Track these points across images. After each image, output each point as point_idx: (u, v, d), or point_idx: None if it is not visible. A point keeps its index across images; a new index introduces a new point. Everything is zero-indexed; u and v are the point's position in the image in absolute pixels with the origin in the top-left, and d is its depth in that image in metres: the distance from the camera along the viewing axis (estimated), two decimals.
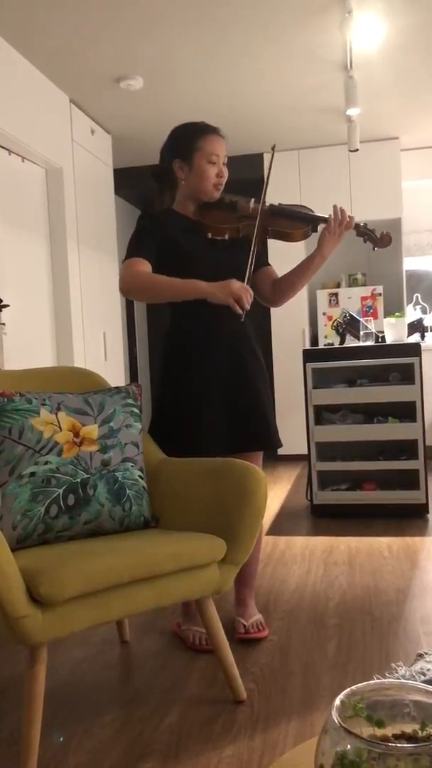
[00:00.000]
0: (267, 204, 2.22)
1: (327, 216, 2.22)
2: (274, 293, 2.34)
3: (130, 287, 2.11)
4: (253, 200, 2.23)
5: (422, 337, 5.95)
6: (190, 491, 1.98)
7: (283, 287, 2.32)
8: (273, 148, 2.27)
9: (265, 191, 2.21)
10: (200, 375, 2.20)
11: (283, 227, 2.25)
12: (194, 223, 2.23)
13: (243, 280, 2.11)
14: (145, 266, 2.11)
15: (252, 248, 2.14)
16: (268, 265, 2.38)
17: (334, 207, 2.21)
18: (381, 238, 2.28)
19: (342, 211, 2.20)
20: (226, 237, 2.20)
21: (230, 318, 2.08)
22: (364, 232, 2.29)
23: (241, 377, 2.23)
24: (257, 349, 2.31)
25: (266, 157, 5.84)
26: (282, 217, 2.25)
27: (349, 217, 2.21)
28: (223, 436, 2.19)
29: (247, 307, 2.04)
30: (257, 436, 2.24)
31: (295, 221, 2.26)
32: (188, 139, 2.19)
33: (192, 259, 2.15)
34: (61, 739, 1.71)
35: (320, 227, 2.25)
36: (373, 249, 2.33)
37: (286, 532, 3.67)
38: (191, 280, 2.06)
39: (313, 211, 2.28)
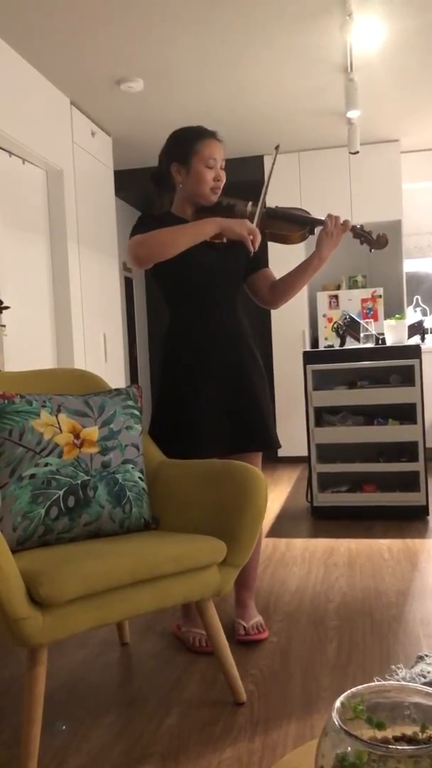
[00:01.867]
0: (264, 207, 2.23)
1: (324, 218, 2.23)
2: (272, 295, 2.34)
3: (139, 250, 2.04)
4: (250, 203, 2.24)
5: (422, 339, 5.95)
6: (191, 493, 1.98)
7: (282, 289, 2.33)
8: (276, 148, 2.29)
9: (265, 193, 2.21)
10: (199, 376, 2.20)
11: (280, 230, 2.25)
12: None
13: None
14: None
15: (262, 197, 2.16)
16: (266, 267, 2.38)
17: (329, 215, 2.23)
18: (377, 239, 2.28)
19: (337, 217, 2.22)
20: (224, 240, 2.20)
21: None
22: (361, 233, 2.30)
23: (239, 378, 2.23)
24: (255, 350, 2.31)
25: (267, 160, 5.85)
26: (279, 219, 2.26)
27: (345, 220, 2.23)
28: (222, 437, 2.19)
29: (257, 247, 2.08)
30: (256, 436, 2.24)
31: (292, 224, 2.26)
32: (186, 142, 2.20)
33: (189, 262, 2.15)
34: (63, 728, 1.71)
35: (318, 230, 2.26)
36: (370, 251, 2.34)
37: (287, 533, 3.66)
38: (206, 219, 2.09)
39: (310, 214, 2.29)
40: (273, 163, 2.27)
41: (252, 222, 2.16)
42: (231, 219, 2.06)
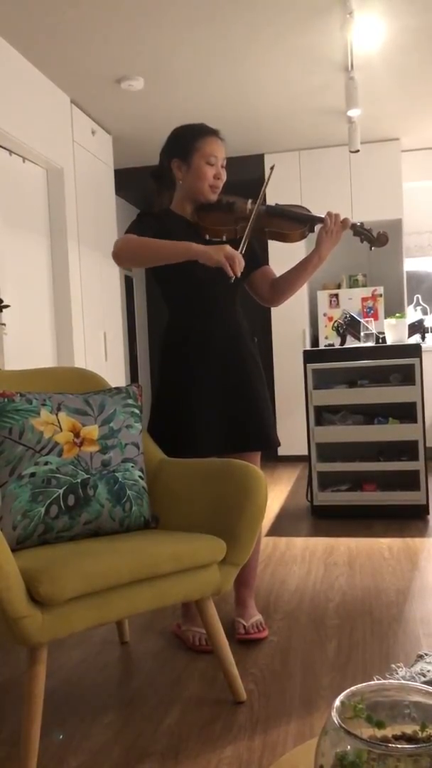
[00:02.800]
0: (264, 205, 2.23)
1: (324, 216, 2.22)
2: (272, 293, 2.34)
3: (121, 251, 2.06)
4: (250, 201, 2.23)
5: (423, 338, 5.95)
6: (191, 492, 1.98)
7: (281, 287, 2.32)
8: (271, 169, 2.30)
9: (263, 196, 2.21)
10: (197, 375, 2.20)
11: (280, 228, 2.25)
12: (192, 224, 2.23)
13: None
14: None
15: (245, 237, 2.12)
16: (266, 265, 2.38)
17: (329, 212, 2.22)
18: (378, 237, 2.28)
19: (337, 215, 2.21)
20: (224, 238, 2.20)
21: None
22: (361, 231, 2.29)
23: (238, 377, 2.23)
24: (254, 349, 2.31)
25: (268, 159, 5.84)
26: (279, 217, 2.26)
27: (344, 218, 2.22)
28: (221, 436, 2.19)
29: (238, 272, 1.98)
30: (255, 435, 2.24)
31: (292, 222, 2.26)
32: (188, 139, 2.20)
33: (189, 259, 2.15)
34: (61, 737, 1.71)
35: (318, 228, 2.26)
36: (370, 249, 2.33)
37: (286, 532, 3.66)
38: (184, 242, 2.02)
39: (310, 212, 2.28)
40: (267, 181, 2.25)
41: (249, 219, 2.15)
42: (209, 246, 1.99)
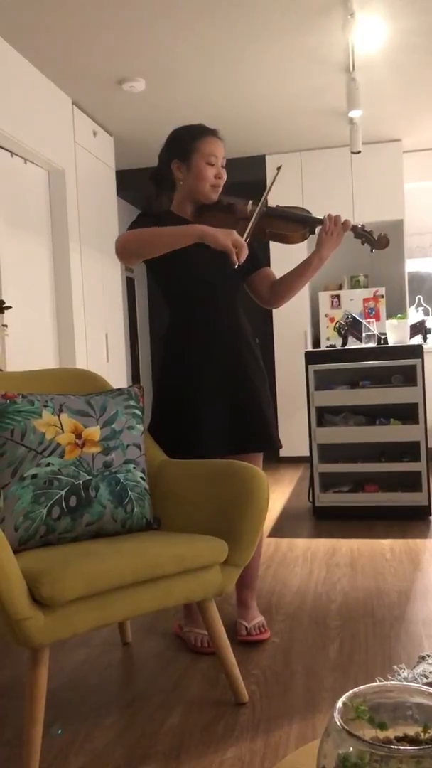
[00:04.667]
0: (265, 207, 2.22)
1: (324, 218, 2.22)
2: (272, 295, 2.34)
3: (126, 242, 2.04)
4: (250, 202, 2.23)
5: (424, 338, 5.94)
6: (192, 493, 1.98)
7: (282, 289, 2.32)
8: (278, 169, 2.27)
9: (266, 197, 2.21)
10: (199, 376, 2.20)
11: (280, 229, 2.24)
12: (191, 224, 2.22)
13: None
14: None
15: (247, 233, 2.11)
16: (267, 266, 2.37)
17: (329, 215, 2.22)
18: (378, 240, 2.27)
19: (337, 217, 2.21)
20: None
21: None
22: (362, 233, 2.29)
23: (239, 378, 2.23)
24: (256, 350, 2.31)
25: (269, 160, 5.84)
26: (279, 219, 2.25)
27: (345, 220, 2.22)
28: (223, 437, 2.19)
29: (242, 259, 1.97)
30: (256, 436, 2.24)
31: (292, 223, 2.26)
32: (187, 140, 2.20)
33: (189, 260, 2.15)
34: (60, 732, 1.71)
35: (318, 229, 2.25)
36: (371, 251, 2.33)
37: (288, 534, 3.66)
38: (191, 224, 2.03)
39: (310, 213, 2.28)
40: (272, 181, 2.24)
41: (251, 220, 2.15)
42: (218, 229, 1.98)
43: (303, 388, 5.14)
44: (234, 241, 1.96)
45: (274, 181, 2.23)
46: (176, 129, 2.26)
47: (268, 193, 2.21)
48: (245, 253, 1.98)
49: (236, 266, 1.99)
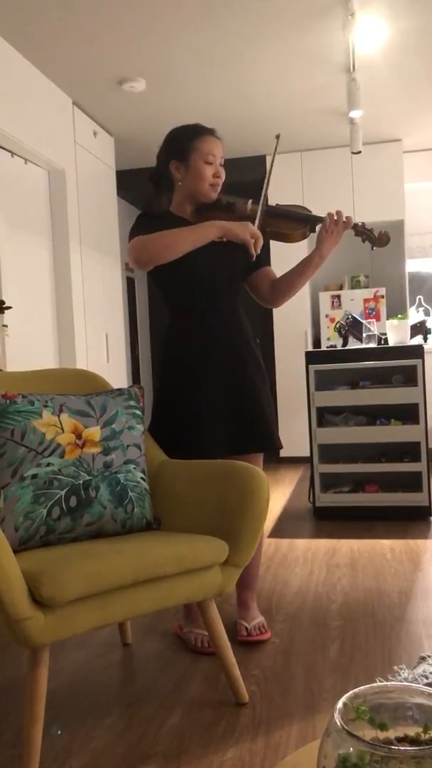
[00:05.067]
0: (265, 205, 2.22)
1: (324, 216, 2.22)
2: (272, 293, 2.34)
3: (143, 250, 2.06)
4: (250, 201, 2.23)
5: (425, 339, 5.94)
6: (193, 493, 1.98)
7: (282, 287, 2.32)
8: (277, 137, 2.29)
9: (266, 189, 2.21)
10: (199, 376, 2.19)
11: (280, 228, 2.24)
12: (192, 224, 2.22)
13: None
14: None
15: (257, 220, 2.15)
16: (267, 265, 2.37)
17: (330, 212, 2.22)
18: (379, 237, 2.27)
19: (338, 213, 2.21)
20: (224, 238, 2.20)
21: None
22: (362, 231, 2.29)
23: (240, 378, 2.23)
24: (256, 350, 2.31)
25: (269, 159, 5.84)
26: (280, 217, 2.25)
27: (347, 217, 2.21)
28: (223, 438, 2.19)
29: (258, 250, 2.10)
30: (257, 437, 2.24)
31: (293, 222, 2.25)
32: (185, 140, 2.20)
33: (190, 260, 2.15)
34: (59, 733, 1.71)
35: (319, 227, 2.25)
36: (372, 248, 2.33)
37: (289, 534, 3.66)
38: (208, 222, 2.10)
39: (311, 212, 2.28)
40: (274, 154, 2.26)
41: (254, 221, 2.16)
42: (234, 222, 2.06)
43: (303, 388, 5.14)
44: (252, 234, 2.08)
45: (274, 155, 2.25)
46: (174, 129, 2.26)
47: (267, 186, 2.22)
48: (261, 242, 2.11)
49: (254, 257, 2.11)
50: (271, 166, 2.23)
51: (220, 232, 2.06)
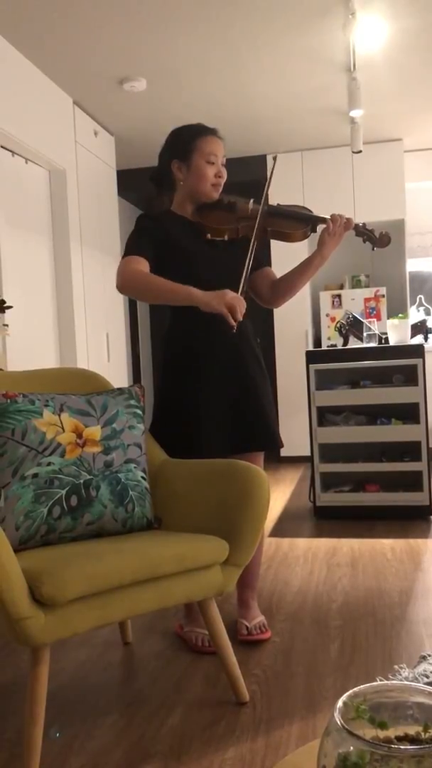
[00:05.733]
0: (266, 206, 2.22)
1: (326, 216, 2.22)
2: (273, 294, 2.34)
3: (125, 285, 2.09)
4: (252, 201, 2.23)
5: (425, 338, 5.94)
6: (193, 492, 1.98)
7: (282, 288, 2.32)
8: (275, 159, 2.28)
9: (267, 189, 2.21)
10: (201, 375, 2.20)
11: (282, 228, 2.24)
12: (193, 224, 2.23)
13: (241, 283, 2.08)
14: (142, 265, 2.10)
15: (250, 251, 2.12)
16: (267, 266, 2.37)
17: (332, 214, 2.22)
18: (380, 238, 2.28)
19: (340, 216, 2.21)
20: (226, 238, 2.20)
21: (222, 327, 2.00)
22: (363, 231, 2.29)
23: (241, 377, 2.23)
24: (257, 349, 2.31)
25: (270, 160, 5.84)
26: (281, 217, 2.25)
27: (348, 218, 2.22)
28: (224, 437, 2.19)
29: (240, 318, 1.98)
30: (258, 436, 2.24)
31: (294, 222, 2.25)
32: (187, 139, 2.20)
33: (191, 259, 2.15)
34: (58, 735, 1.71)
35: (320, 228, 2.25)
36: (372, 249, 2.33)
37: (289, 533, 3.66)
38: (186, 286, 2.02)
39: (312, 212, 2.28)
40: (271, 172, 2.24)
41: (256, 221, 2.15)
42: (210, 293, 1.98)
43: (304, 387, 5.14)
44: (227, 304, 1.96)
45: (271, 175, 2.23)
46: (175, 129, 2.26)
47: (267, 189, 2.21)
48: (242, 309, 1.98)
49: (234, 330, 1.99)
50: (269, 183, 2.21)
51: (195, 302, 1.99)
